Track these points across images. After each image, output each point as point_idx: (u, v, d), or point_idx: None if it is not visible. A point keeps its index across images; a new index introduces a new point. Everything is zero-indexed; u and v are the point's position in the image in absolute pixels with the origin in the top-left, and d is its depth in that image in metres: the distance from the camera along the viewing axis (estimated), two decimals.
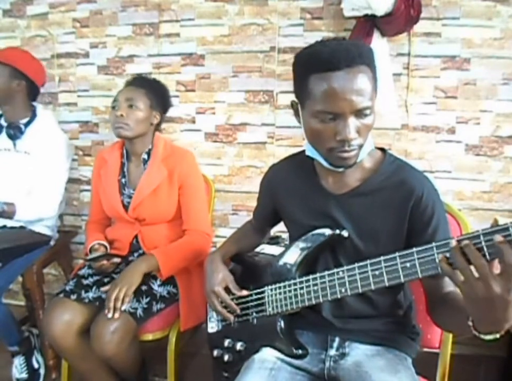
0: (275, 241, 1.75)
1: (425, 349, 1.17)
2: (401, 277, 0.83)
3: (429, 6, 1.79)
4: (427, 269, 0.79)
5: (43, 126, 1.81)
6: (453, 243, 0.71)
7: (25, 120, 1.81)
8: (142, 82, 1.57)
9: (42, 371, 1.83)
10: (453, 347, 1.19)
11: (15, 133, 1.78)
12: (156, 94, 1.56)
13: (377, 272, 0.86)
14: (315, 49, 0.88)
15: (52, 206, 1.78)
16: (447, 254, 0.74)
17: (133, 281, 1.37)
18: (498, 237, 0.66)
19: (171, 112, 2.11)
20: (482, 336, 0.75)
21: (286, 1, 1.95)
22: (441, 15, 1.81)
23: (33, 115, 1.84)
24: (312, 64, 0.87)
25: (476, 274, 0.69)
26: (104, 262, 1.45)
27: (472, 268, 0.69)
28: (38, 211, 1.74)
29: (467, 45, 1.81)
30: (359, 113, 0.86)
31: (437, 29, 1.82)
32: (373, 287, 0.86)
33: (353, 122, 0.86)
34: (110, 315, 1.30)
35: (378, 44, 1.74)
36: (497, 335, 0.74)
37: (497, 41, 1.78)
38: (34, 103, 1.89)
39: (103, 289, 1.40)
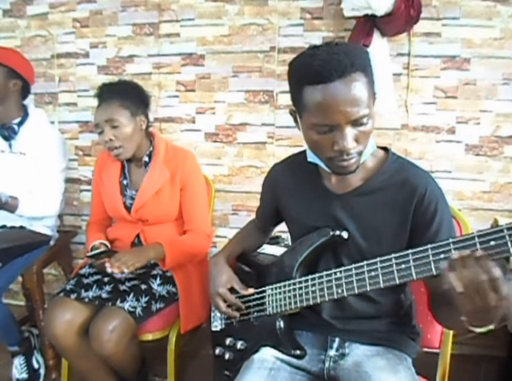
0: (275, 241, 1.75)
1: (425, 349, 1.17)
2: (396, 278, 0.83)
3: (429, 6, 1.79)
4: (422, 271, 0.79)
5: (36, 125, 1.80)
6: (454, 255, 0.70)
7: (17, 120, 1.79)
8: (110, 93, 1.47)
9: (42, 371, 1.82)
10: (453, 347, 1.19)
11: (9, 133, 1.77)
12: (130, 99, 1.48)
13: (373, 273, 0.86)
14: (306, 60, 0.86)
15: (53, 204, 1.78)
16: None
17: (140, 259, 1.38)
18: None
19: (171, 113, 2.13)
20: (477, 330, 0.75)
21: (286, 1, 1.95)
22: (441, 15, 1.81)
23: (25, 114, 1.82)
24: (304, 76, 0.85)
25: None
26: (106, 259, 1.44)
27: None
28: (39, 208, 1.74)
29: (467, 45, 1.81)
30: (356, 122, 0.84)
31: (437, 29, 1.82)
32: (368, 288, 0.87)
33: (350, 132, 0.85)
34: (110, 270, 1.33)
35: (378, 44, 1.74)
36: (491, 327, 0.74)
37: (497, 41, 1.78)
38: (24, 103, 1.86)
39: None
